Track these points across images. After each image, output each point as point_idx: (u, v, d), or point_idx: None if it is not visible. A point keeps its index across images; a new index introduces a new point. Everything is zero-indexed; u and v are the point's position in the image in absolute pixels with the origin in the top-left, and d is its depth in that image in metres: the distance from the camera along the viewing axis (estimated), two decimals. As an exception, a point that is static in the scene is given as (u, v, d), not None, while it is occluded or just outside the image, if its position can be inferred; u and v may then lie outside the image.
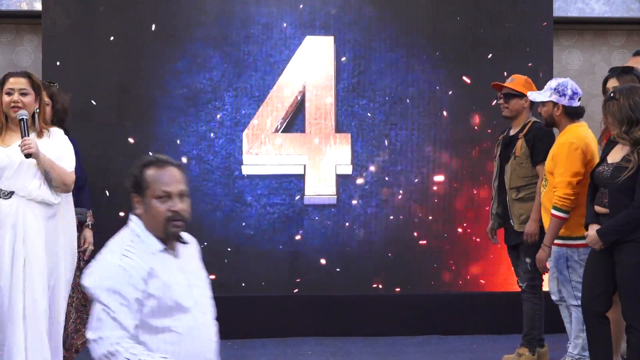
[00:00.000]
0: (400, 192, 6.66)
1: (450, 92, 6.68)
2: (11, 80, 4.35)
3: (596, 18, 7.35)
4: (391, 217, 6.65)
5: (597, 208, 4.56)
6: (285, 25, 6.66)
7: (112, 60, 6.48)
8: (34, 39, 7.11)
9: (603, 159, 4.65)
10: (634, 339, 4.39)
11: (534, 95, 5.31)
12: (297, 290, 6.60)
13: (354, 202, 6.66)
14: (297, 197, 6.63)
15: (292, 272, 6.60)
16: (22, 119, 4.26)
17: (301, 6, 6.68)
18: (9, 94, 4.32)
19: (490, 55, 6.69)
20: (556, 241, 5.19)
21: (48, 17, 6.45)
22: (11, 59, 7.16)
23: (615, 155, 4.56)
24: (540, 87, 5.54)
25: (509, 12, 6.71)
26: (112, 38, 6.49)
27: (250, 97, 6.61)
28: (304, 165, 6.66)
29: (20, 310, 4.19)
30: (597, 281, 4.53)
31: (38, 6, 6.84)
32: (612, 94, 4.47)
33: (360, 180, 6.67)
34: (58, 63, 6.43)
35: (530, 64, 6.65)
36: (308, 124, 6.66)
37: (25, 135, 4.24)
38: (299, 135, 6.67)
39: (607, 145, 4.72)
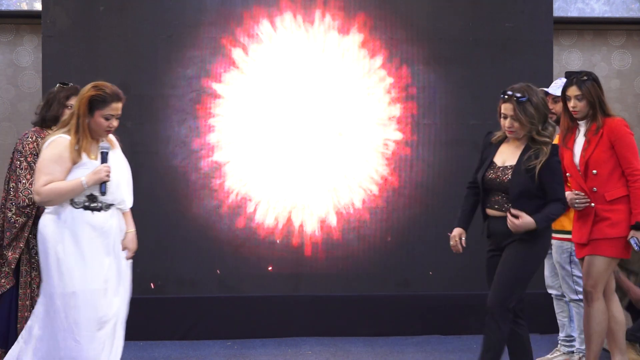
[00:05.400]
0: (401, 191, 6.65)
1: (450, 92, 6.68)
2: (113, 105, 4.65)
3: (596, 18, 7.36)
4: (391, 217, 6.64)
5: (490, 211, 4.50)
6: (285, 25, 6.66)
7: (112, 60, 6.48)
8: (34, 39, 7.12)
9: (490, 162, 4.54)
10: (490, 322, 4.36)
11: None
12: (297, 290, 6.60)
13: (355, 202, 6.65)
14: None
15: (292, 272, 6.60)
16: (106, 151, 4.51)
17: (301, 6, 6.68)
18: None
19: (490, 55, 6.68)
20: (560, 235, 5.21)
21: (48, 17, 6.45)
22: (11, 59, 7.17)
23: (507, 158, 4.50)
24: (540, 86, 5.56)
25: (509, 12, 6.71)
26: (112, 38, 6.49)
27: (250, 97, 6.62)
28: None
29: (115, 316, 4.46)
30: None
31: (38, 6, 6.85)
32: (521, 96, 4.43)
33: (360, 180, 6.68)
34: (58, 63, 6.43)
35: (530, 64, 6.65)
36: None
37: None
38: (299, 135, 6.67)
39: (487, 148, 4.65)
